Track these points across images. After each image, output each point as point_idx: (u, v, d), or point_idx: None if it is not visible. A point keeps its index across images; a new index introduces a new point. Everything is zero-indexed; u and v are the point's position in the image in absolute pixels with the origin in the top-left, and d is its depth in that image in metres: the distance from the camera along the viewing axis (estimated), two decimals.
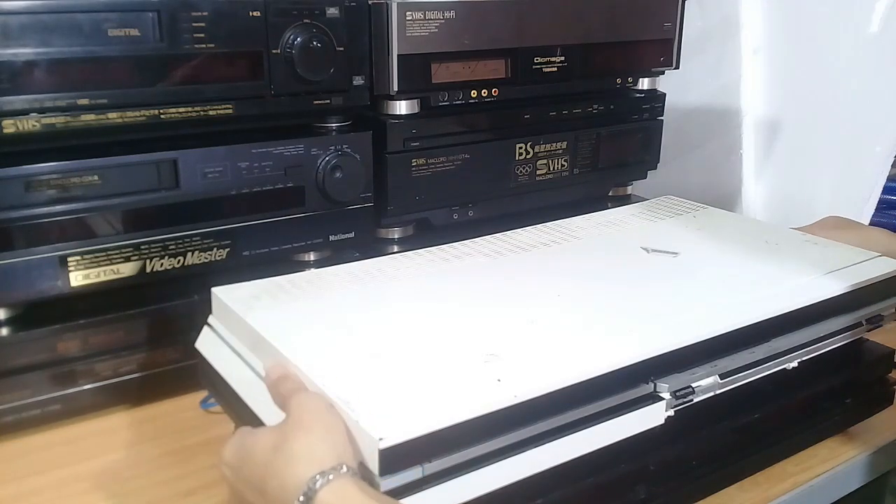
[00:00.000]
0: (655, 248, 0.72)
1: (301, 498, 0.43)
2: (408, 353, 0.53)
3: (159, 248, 0.70)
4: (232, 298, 0.61)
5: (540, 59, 0.88)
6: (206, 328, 0.63)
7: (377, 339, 0.55)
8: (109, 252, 0.68)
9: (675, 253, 0.71)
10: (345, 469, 0.44)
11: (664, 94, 1.02)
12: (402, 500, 0.44)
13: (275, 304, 0.60)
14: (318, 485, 0.43)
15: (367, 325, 0.57)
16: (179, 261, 0.72)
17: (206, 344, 0.63)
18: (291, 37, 0.71)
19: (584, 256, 0.71)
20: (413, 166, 0.83)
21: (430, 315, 0.59)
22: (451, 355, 0.52)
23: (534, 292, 0.63)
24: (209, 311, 0.64)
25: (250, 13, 0.69)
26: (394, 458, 0.43)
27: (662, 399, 0.53)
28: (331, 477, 0.43)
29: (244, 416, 0.56)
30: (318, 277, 0.66)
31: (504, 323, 0.57)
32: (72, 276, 0.67)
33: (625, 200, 1.03)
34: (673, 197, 0.88)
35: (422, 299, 0.62)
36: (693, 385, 0.54)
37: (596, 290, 0.63)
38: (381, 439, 0.43)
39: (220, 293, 0.62)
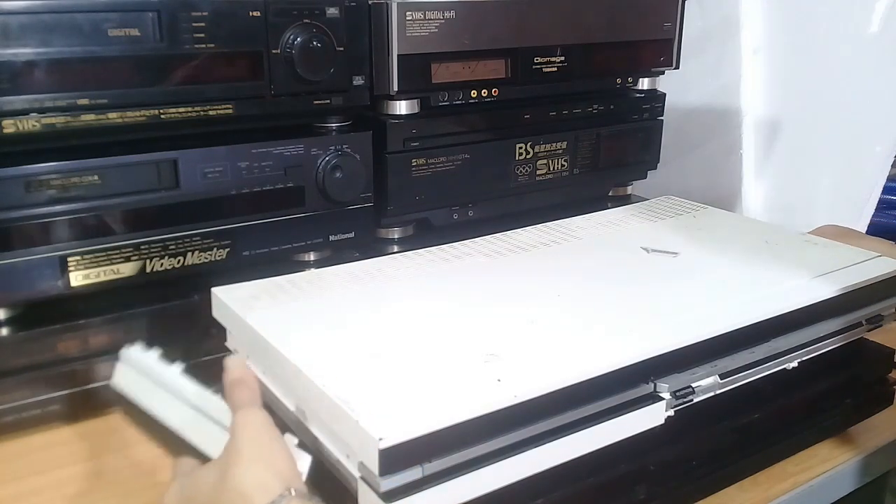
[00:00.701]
0: (655, 248, 0.72)
1: None
2: (408, 353, 0.53)
3: (159, 248, 0.70)
4: (232, 298, 0.61)
5: (540, 59, 0.88)
6: (118, 364, 0.64)
7: (377, 339, 0.55)
8: (109, 252, 0.68)
9: (675, 253, 0.71)
10: (293, 493, 0.44)
11: (664, 94, 1.02)
12: (402, 500, 0.44)
13: (274, 304, 0.60)
14: None
15: (367, 325, 0.57)
16: (179, 261, 0.72)
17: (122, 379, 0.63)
18: (291, 37, 0.71)
19: (584, 256, 0.71)
20: (413, 166, 0.83)
21: (430, 315, 0.59)
22: (451, 355, 0.52)
23: (534, 292, 0.63)
24: (209, 311, 0.64)
25: (250, 13, 0.69)
26: (394, 458, 0.43)
27: (662, 399, 0.53)
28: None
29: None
30: (318, 277, 0.66)
31: (504, 323, 0.57)
32: (72, 276, 0.67)
33: (625, 200, 1.03)
34: (673, 197, 0.88)
35: (422, 299, 0.62)
36: (693, 385, 0.54)
37: (596, 290, 0.63)
38: (381, 439, 0.43)
39: (220, 293, 0.62)
